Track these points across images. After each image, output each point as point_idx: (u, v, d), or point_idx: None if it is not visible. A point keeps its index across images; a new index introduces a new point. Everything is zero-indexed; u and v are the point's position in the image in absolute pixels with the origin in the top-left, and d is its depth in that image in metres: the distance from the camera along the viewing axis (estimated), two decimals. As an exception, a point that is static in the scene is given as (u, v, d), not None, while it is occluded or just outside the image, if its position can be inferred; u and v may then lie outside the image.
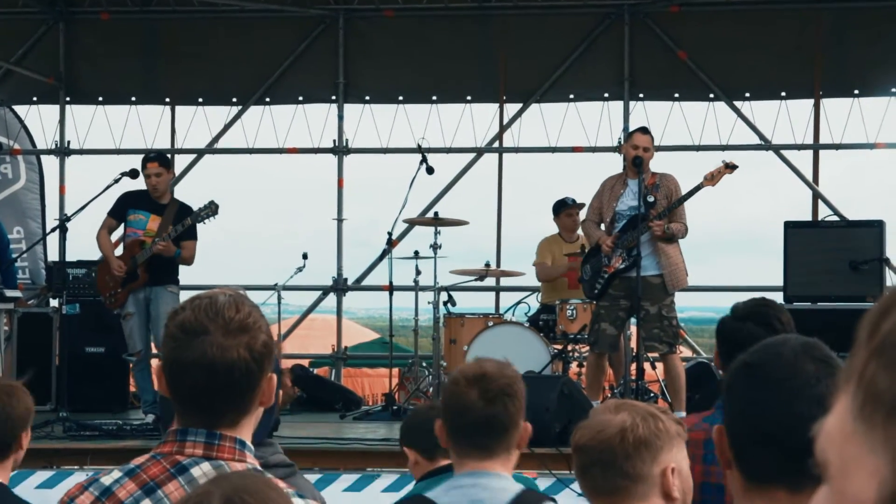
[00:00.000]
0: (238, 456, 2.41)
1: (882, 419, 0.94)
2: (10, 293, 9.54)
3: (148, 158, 9.71)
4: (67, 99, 13.11)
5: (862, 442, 0.96)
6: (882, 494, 0.93)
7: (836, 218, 11.70)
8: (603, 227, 9.22)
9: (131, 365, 9.85)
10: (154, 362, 9.49)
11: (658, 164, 9.23)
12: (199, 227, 9.53)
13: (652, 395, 9.91)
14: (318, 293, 12.95)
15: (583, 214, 10.02)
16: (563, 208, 10.93)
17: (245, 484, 1.78)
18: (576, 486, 4.48)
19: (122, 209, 9.62)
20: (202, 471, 2.38)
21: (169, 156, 12.00)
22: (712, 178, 8.88)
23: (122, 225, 9.68)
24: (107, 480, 2.44)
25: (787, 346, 2.11)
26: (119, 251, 9.74)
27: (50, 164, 13.21)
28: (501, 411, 3.21)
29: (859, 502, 0.95)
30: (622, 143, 12.17)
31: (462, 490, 3.21)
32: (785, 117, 12.29)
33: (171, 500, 2.37)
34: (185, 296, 10.34)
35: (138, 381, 9.69)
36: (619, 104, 12.49)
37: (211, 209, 9.39)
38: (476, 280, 11.19)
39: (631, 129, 11.53)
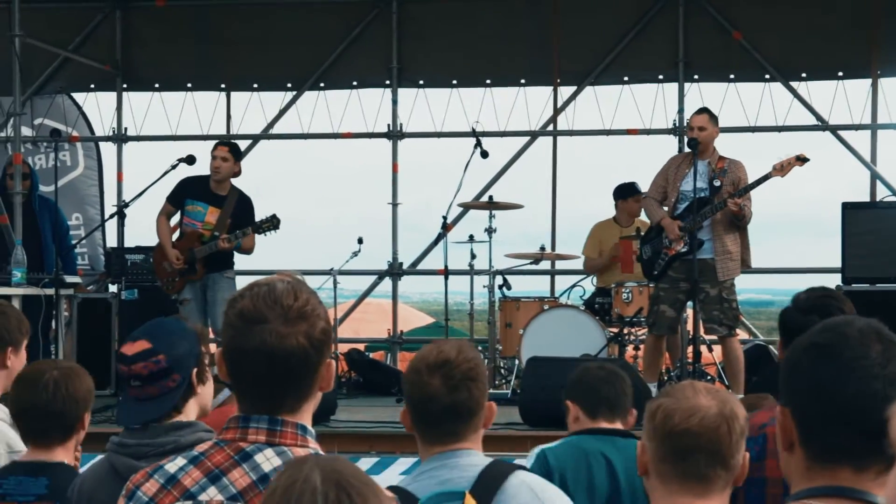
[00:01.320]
0: (300, 441, 2.43)
1: None
2: (70, 279, 9.66)
3: (221, 142, 9.84)
4: (124, 86, 13.21)
5: None
6: None
7: (894, 198, 11.59)
8: (666, 207, 9.17)
9: None
10: (213, 347, 9.55)
11: (716, 142, 9.16)
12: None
13: (709, 377, 9.89)
14: (374, 277, 12.99)
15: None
16: (634, 193, 10.78)
17: (340, 466, 1.79)
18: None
19: (180, 196, 9.70)
20: (265, 457, 2.40)
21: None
22: (782, 169, 8.78)
23: (180, 212, 9.78)
24: (171, 468, 2.46)
25: (853, 327, 2.11)
26: (176, 235, 9.82)
27: (107, 150, 13.35)
28: (466, 397, 3.16)
29: None
30: (676, 125, 12.14)
31: (429, 473, 3.17)
32: (842, 97, 12.18)
33: (237, 487, 2.38)
34: (241, 281, 10.44)
35: None
36: (674, 86, 12.41)
37: (272, 223, 9.44)
38: (531, 263, 11.18)
39: (686, 111, 11.49)
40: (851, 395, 2.05)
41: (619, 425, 4.53)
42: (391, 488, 3.23)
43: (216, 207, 9.58)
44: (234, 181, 9.81)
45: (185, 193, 9.69)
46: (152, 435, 3.19)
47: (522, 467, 3.29)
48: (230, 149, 9.76)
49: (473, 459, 3.18)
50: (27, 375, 3.78)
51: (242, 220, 9.51)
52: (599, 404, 4.48)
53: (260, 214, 9.66)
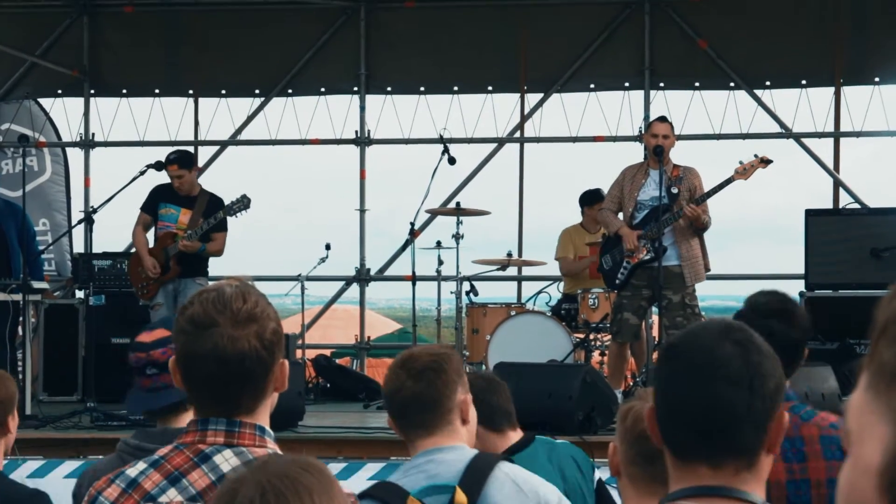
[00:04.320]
0: (259, 442, 2.47)
1: (885, 387, 1.05)
2: (36, 285, 9.62)
3: (168, 161, 9.71)
4: (92, 91, 13.19)
5: (872, 410, 1.06)
6: (885, 458, 1.03)
7: (857, 205, 11.71)
8: (622, 216, 9.25)
9: None
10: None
11: (679, 152, 9.26)
12: (230, 219, 9.64)
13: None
14: (341, 283, 13.03)
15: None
16: (599, 199, 10.63)
17: (279, 469, 1.83)
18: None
19: (153, 203, 9.74)
20: (224, 458, 2.45)
21: (191, 149, 12.11)
22: (745, 172, 8.84)
23: (154, 219, 9.82)
24: (132, 472, 2.50)
25: (708, 329, 2.17)
26: (152, 243, 9.84)
27: (75, 156, 13.31)
28: (425, 387, 3.30)
29: (869, 466, 1.04)
30: (643, 133, 12.23)
31: (419, 468, 3.29)
32: (805, 105, 12.29)
33: (196, 488, 2.43)
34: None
35: None
36: (640, 93, 12.51)
37: (243, 203, 9.48)
38: (498, 270, 11.23)
39: (651, 118, 11.56)
40: (691, 397, 2.10)
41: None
42: (381, 484, 3.34)
43: (188, 209, 9.62)
44: (203, 184, 9.85)
45: (158, 198, 9.73)
46: (171, 439, 3.17)
47: (508, 458, 3.40)
48: (179, 164, 9.65)
49: (459, 454, 3.30)
50: None
51: (215, 222, 9.54)
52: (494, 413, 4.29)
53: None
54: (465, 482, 3.21)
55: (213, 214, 9.48)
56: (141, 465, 2.50)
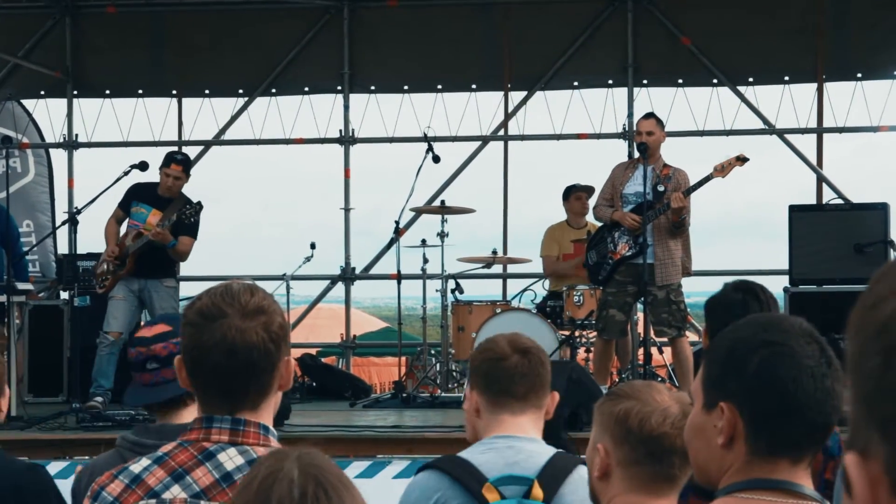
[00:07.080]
0: (263, 441, 2.48)
1: (850, 377, 1.13)
2: (21, 286, 9.61)
3: (174, 160, 9.69)
4: (75, 92, 13.17)
5: (849, 400, 1.14)
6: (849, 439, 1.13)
7: (840, 201, 11.75)
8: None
9: (99, 340, 9.61)
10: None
11: (664, 149, 9.27)
12: (202, 221, 9.60)
13: (660, 379, 9.98)
14: (327, 282, 13.02)
15: (592, 200, 10.11)
16: (573, 191, 10.99)
17: (314, 458, 1.86)
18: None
19: (128, 200, 9.74)
20: (228, 456, 2.45)
21: (175, 149, 12.06)
22: (723, 170, 8.89)
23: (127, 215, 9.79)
24: (136, 468, 2.51)
25: (795, 326, 2.20)
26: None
27: (58, 157, 13.28)
28: (535, 365, 3.35)
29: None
30: (626, 129, 12.26)
31: (497, 450, 3.29)
32: (788, 101, 12.33)
33: (200, 485, 2.44)
34: (195, 286, 10.37)
35: (101, 363, 9.50)
36: (624, 91, 12.52)
37: (195, 208, 9.45)
38: (483, 267, 11.25)
39: (635, 115, 11.60)
40: (809, 391, 2.13)
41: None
42: (457, 460, 3.33)
43: (159, 210, 9.60)
44: (188, 184, 9.84)
45: (134, 196, 9.72)
46: (169, 436, 3.12)
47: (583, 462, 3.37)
48: (183, 167, 9.69)
49: (540, 448, 3.31)
50: None
51: (183, 225, 9.50)
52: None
53: (209, 219, 9.66)
54: (544, 478, 3.19)
55: (178, 211, 9.42)
56: (145, 462, 2.51)
